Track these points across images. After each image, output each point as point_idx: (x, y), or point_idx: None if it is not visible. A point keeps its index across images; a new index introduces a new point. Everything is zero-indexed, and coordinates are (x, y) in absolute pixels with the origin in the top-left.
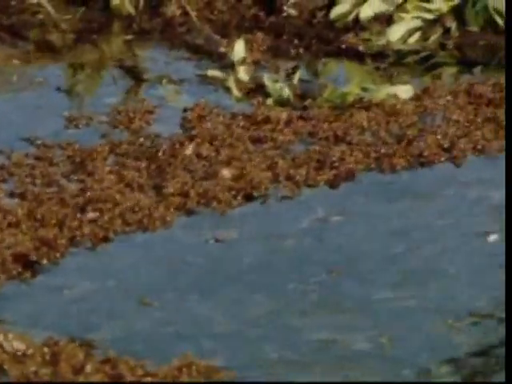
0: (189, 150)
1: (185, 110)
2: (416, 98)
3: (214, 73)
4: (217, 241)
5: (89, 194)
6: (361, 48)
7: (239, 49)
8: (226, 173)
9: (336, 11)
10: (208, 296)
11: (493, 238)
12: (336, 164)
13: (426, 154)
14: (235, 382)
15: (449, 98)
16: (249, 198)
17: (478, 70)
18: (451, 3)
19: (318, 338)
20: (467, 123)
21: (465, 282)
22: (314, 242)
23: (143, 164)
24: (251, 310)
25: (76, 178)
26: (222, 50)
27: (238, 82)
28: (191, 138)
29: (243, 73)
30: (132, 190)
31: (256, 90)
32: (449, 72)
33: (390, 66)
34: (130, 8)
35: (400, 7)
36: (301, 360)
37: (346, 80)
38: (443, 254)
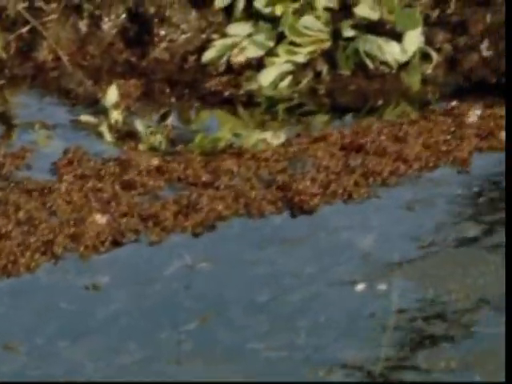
0: (59, 193)
1: (64, 153)
2: (287, 144)
3: (86, 118)
4: (85, 287)
5: None
6: (232, 93)
7: (112, 94)
8: (98, 217)
9: (207, 55)
10: (78, 342)
11: (360, 287)
12: (204, 209)
13: (295, 199)
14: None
15: (319, 144)
16: (117, 243)
17: (348, 116)
18: (322, 46)
19: None
20: (337, 169)
21: (333, 332)
22: (182, 288)
23: (11, 210)
24: (123, 357)
25: None
26: (95, 95)
27: (111, 127)
28: (60, 184)
29: (116, 118)
30: None
31: (128, 135)
32: (320, 118)
33: (261, 111)
34: (0, 52)
35: (271, 51)
36: None
37: (218, 126)
38: (311, 302)
